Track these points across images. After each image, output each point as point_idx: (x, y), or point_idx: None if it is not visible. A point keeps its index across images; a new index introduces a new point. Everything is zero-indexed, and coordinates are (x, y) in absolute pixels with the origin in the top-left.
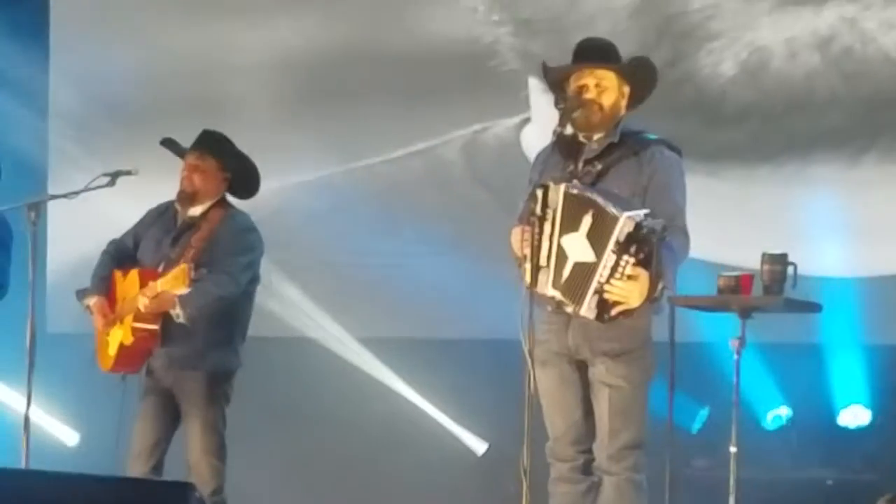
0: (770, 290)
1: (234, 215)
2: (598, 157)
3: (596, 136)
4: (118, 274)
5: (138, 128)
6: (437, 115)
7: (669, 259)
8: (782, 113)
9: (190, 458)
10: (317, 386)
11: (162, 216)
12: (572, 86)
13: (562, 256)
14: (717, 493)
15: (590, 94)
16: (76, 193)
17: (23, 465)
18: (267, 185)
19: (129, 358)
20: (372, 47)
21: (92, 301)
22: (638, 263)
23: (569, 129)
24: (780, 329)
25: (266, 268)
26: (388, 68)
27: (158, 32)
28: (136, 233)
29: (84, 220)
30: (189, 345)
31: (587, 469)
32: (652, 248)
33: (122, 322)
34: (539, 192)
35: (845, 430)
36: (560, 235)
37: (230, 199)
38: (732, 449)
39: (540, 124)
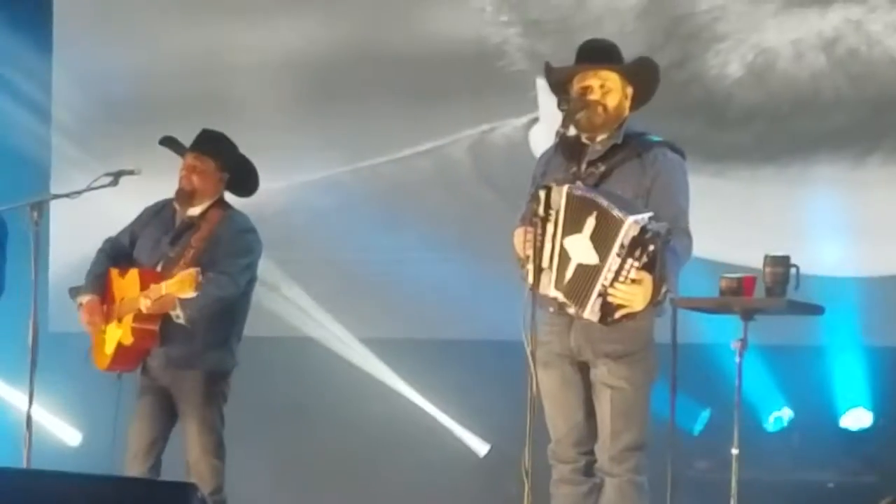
0: (772, 292)
1: (233, 216)
2: (602, 158)
3: (599, 138)
4: (115, 272)
5: (141, 127)
6: (445, 114)
7: (673, 262)
8: (788, 114)
9: (189, 457)
10: (318, 386)
11: (159, 214)
12: (576, 87)
13: (564, 258)
14: (719, 495)
15: (593, 96)
16: (79, 193)
17: (25, 465)
18: (273, 185)
19: (126, 357)
20: (380, 47)
21: (85, 300)
22: (642, 267)
23: (572, 131)
24: (783, 331)
25: (269, 267)
26: (397, 68)
27: (162, 32)
28: (133, 231)
29: (86, 220)
30: (187, 345)
31: (589, 471)
32: (656, 252)
33: (120, 321)
34: (542, 194)
35: (847, 432)
36: (563, 237)
37: (229, 198)
38: (734, 451)
39: (548, 124)
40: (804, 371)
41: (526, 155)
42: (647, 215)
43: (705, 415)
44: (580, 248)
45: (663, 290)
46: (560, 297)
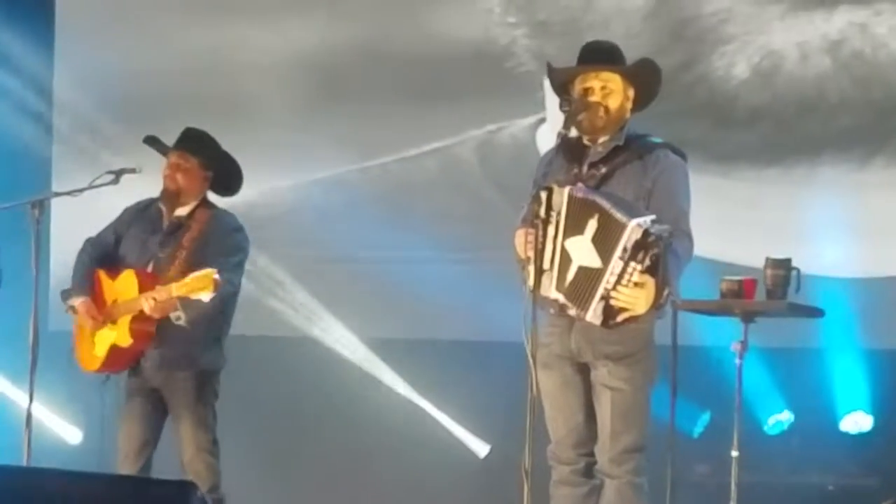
0: (773, 294)
1: (221, 215)
2: (603, 160)
3: (601, 140)
4: (103, 274)
5: (143, 126)
6: (452, 114)
7: (675, 265)
8: (793, 115)
9: (184, 457)
10: (319, 386)
11: (143, 214)
12: (577, 88)
13: (566, 259)
14: (719, 498)
15: (595, 97)
16: (80, 191)
17: (25, 463)
18: (281, 183)
19: (119, 359)
20: (388, 48)
21: (78, 302)
22: (645, 270)
23: (573, 132)
24: (783, 333)
25: (272, 266)
26: (405, 68)
27: (165, 31)
28: (117, 230)
29: (88, 218)
30: (181, 346)
31: (588, 472)
32: (659, 256)
33: (114, 322)
34: (543, 195)
35: (847, 435)
36: (564, 238)
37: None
38: (734, 453)
39: (554, 125)
40: (804, 374)
41: (532, 155)
42: (649, 218)
43: (705, 417)
44: (582, 251)
45: (665, 293)
46: (561, 298)
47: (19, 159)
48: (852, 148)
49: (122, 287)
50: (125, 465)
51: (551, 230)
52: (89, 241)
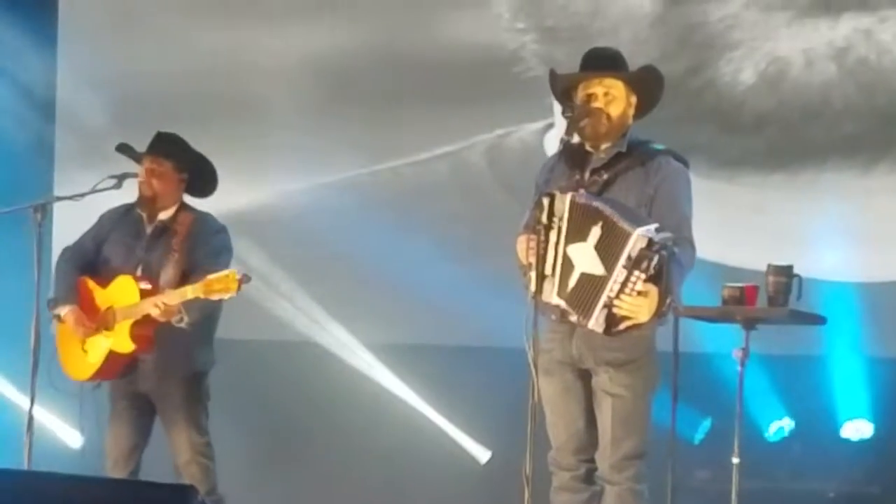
0: (775, 301)
1: (204, 217)
2: (605, 166)
3: (603, 146)
4: (90, 281)
5: (148, 129)
6: (462, 119)
7: (678, 274)
8: (799, 121)
9: (179, 460)
10: (320, 390)
11: (123, 220)
12: (580, 94)
13: (567, 266)
14: None
15: (598, 104)
16: (82, 195)
17: (26, 467)
18: (293, 186)
19: (115, 365)
20: (399, 52)
21: (66, 311)
22: (648, 279)
23: (576, 138)
24: (784, 340)
25: (278, 269)
26: (415, 73)
27: (172, 33)
28: (97, 237)
29: (90, 222)
30: (177, 348)
31: (589, 478)
32: (662, 265)
33: (109, 329)
34: (545, 201)
35: (848, 442)
36: (566, 245)
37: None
38: (735, 460)
39: (562, 130)
40: (805, 381)
41: (541, 159)
42: (653, 226)
43: (706, 424)
44: (584, 257)
45: (668, 301)
46: (562, 304)
47: (22, 162)
48: (857, 154)
49: (118, 293)
50: (115, 471)
51: (553, 236)
52: (68, 249)
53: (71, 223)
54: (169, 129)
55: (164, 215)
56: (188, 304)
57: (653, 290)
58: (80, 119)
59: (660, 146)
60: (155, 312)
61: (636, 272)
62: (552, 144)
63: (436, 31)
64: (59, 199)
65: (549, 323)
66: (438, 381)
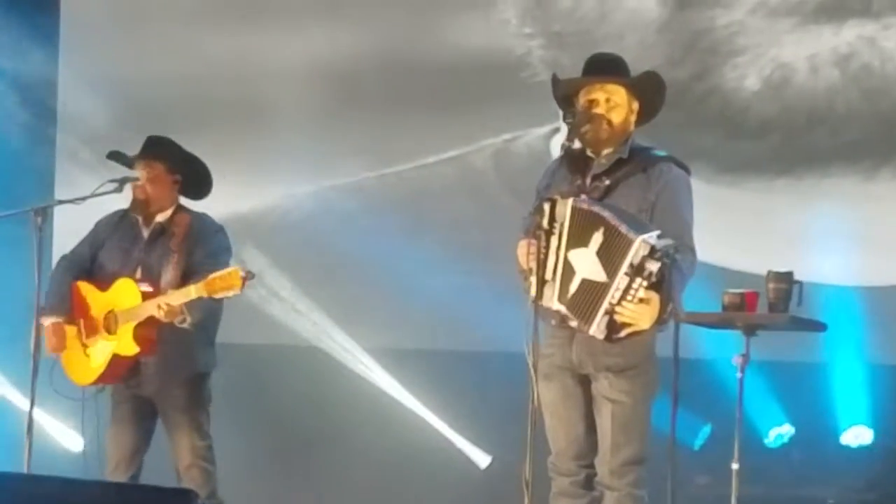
0: (775, 307)
1: (201, 218)
2: (607, 172)
3: (605, 152)
4: (87, 287)
5: (148, 133)
6: (469, 123)
7: (679, 281)
8: (803, 127)
9: (180, 464)
10: (320, 395)
11: (119, 225)
12: (582, 100)
13: (568, 271)
14: None
15: (599, 109)
16: (83, 199)
17: (25, 470)
18: (300, 189)
19: (120, 368)
20: (407, 57)
21: (48, 321)
22: (650, 286)
23: (577, 144)
24: (785, 347)
25: (280, 273)
26: (423, 78)
27: (175, 36)
28: (93, 244)
29: (90, 226)
30: (180, 349)
31: (589, 484)
32: (664, 272)
33: (111, 332)
34: (546, 206)
35: (847, 449)
36: (567, 250)
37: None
38: (734, 466)
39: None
40: (805, 387)
41: (547, 164)
42: (655, 233)
43: (706, 430)
44: (586, 263)
45: (669, 308)
46: (563, 310)
47: (22, 166)
48: (860, 159)
49: (119, 296)
50: (116, 474)
51: (554, 241)
52: (64, 258)
53: (72, 227)
54: (174, 133)
55: (161, 217)
56: (191, 304)
57: (654, 297)
58: (81, 122)
59: (661, 152)
60: (158, 314)
61: (638, 279)
62: (558, 149)
63: (443, 35)
64: (60, 202)
65: (549, 328)
66: (439, 386)
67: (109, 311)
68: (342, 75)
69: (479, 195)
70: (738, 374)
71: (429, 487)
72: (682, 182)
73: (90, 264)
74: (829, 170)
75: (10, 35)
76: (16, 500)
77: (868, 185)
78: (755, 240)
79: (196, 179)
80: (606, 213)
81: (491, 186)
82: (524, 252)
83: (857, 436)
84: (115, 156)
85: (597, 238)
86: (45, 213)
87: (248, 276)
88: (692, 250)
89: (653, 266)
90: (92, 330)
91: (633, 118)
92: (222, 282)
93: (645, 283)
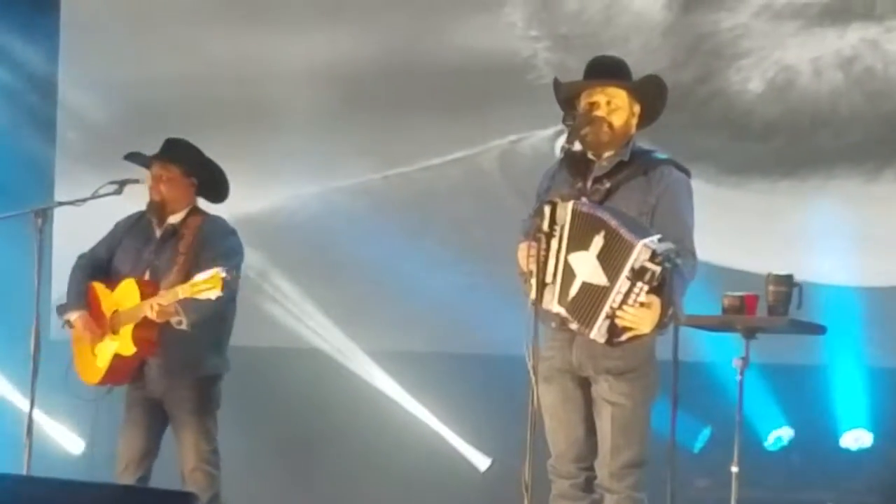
0: (775, 310)
1: (213, 220)
2: (607, 175)
3: (606, 155)
4: (99, 287)
5: (149, 134)
6: (475, 125)
7: (680, 285)
8: (806, 129)
9: (185, 467)
10: (320, 397)
11: (135, 227)
12: (583, 103)
13: (569, 274)
14: None
15: (600, 112)
16: (83, 200)
17: (25, 472)
18: (307, 190)
19: (123, 369)
20: (413, 60)
21: (74, 316)
22: (651, 290)
23: (577, 146)
24: (784, 350)
25: (283, 275)
26: (429, 80)
27: (177, 37)
28: (110, 244)
29: (90, 228)
30: (184, 351)
31: (588, 486)
32: (665, 276)
33: (115, 333)
34: (547, 209)
35: (847, 452)
36: (567, 253)
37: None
38: (734, 469)
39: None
40: (805, 390)
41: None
42: (656, 237)
43: (706, 432)
44: (586, 267)
45: (669, 312)
46: (563, 312)
47: (22, 167)
48: (863, 161)
49: (123, 296)
50: (125, 475)
51: (554, 244)
52: (83, 257)
53: (71, 228)
54: (178, 132)
55: (173, 219)
56: (186, 306)
57: (655, 301)
58: (82, 124)
59: (662, 155)
60: (151, 314)
61: (639, 283)
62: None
63: (449, 37)
64: (61, 204)
65: (548, 331)
66: (439, 389)
67: (114, 312)
68: (348, 77)
69: (485, 196)
70: (738, 377)
71: (428, 489)
72: (683, 185)
73: (107, 264)
74: (833, 171)
75: (10, 35)
76: (15, 502)
77: (871, 187)
78: (759, 240)
79: (213, 183)
80: (607, 217)
81: (497, 188)
82: (524, 254)
83: (857, 439)
84: (133, 156)
85: (597, 241)
86: (45, 215)
87: (230, 275)
88: (693, 254)
89: (654, 270)
90: (101, 330)
91: (634, 121)
92: (204, 284)
93: (646, 288)
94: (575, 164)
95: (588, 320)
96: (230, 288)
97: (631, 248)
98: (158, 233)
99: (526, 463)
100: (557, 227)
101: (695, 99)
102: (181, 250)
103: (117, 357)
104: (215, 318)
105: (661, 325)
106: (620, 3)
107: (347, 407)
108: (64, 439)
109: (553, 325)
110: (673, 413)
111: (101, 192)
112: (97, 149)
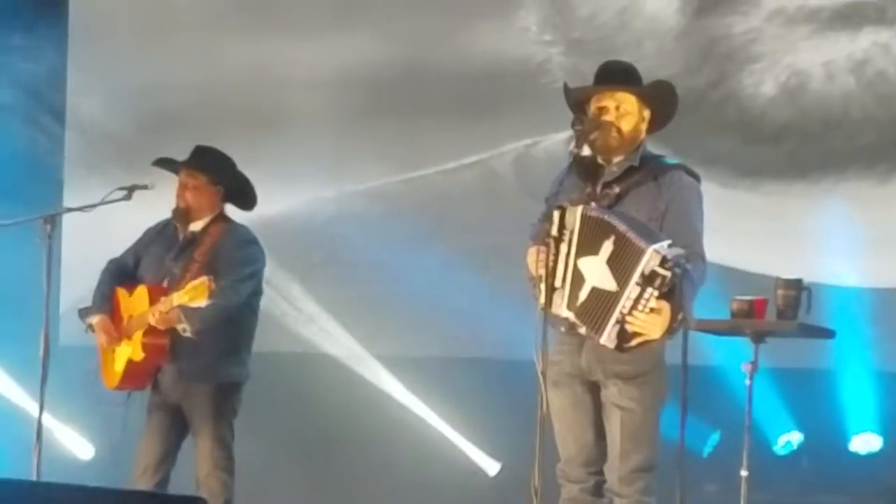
0: (784, 314)
1: (234, 228)
2: (617, 180)
3: (615, 159)
4: (122, 292)
5: (155, 141)
6: (490, 129)
7: (690, 290)
8: (819, 132)
9: (199, 472)
10: (329, 402)
11: (161, 233)
12: (592, 107)
13: (578, 279)
14: None
15: (609, 117)
16: (92, 207)
17: (34, 477)
18: (324, 193)
19: (137, 374)
20: (428, 64)
21: (95, 320)
22: (661, 296)
23: (586, 151)
24: (794, 354)
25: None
26: (444, 84)
27: (186, 44)
28: (136, 251)
29: (99, 234)
30: (197, 358)
31: (598, 491)
32: (675, 282)
33: (130, 338)
34: (556, 214)
35: (856, 456)
36: (577, 258)
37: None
38: (743, 473)
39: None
40: (814, 394)
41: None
42: (666, 243)
43: (715, 437)
44: (596, 272)
45: (679, 318)
46: (572, 317)
47: (31, 173)
48: (875, 163)
49: (136, 303)
50: (143, 480)
51: (564, 248)
52: (112, 262)
53: (80, 234)
54: (189, 138)
55: (195, 226)
56: (188, 314)
57: (665, 306)
58: (91, 130)
59: (672, 161)
60: (152, 321)
61: (649, 289)
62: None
63: (464, 42)
64: (69, 210)
65: (558, 335)
66: (448, 393)
67: (129, 317)
68: (364, 81)
69: (500, 200)
70: (747, 381)
71: (438, 494)
72: (693, 190)
73: (133, 270)
74: (845, 174)
75: (18, 39)
76: None
77: (883, 189)
78: (772, 243)
79: (240, 191)
80: (617, 222)
81: (511, 191)
82: (534, 259)
83: (867, 443)
84: (162, 162)
85: (607, 246)
86: (53, 221)
87: (212, 284)
88: (703, 259)
89: (664, 275)
90: (119, 335)
91: (643, 126)
92: (194, 291)
93: (656, 293)
94: (584, 169)
95: (598, 325)
96: (226, 296)
97: (641, 253)
98: (181, 240)
99: (535, 467)
100: (567, 232)
101: (708, 102)
102: (196, 258)
103: (130, 362)
104: (226, 326)
105: (670, 331)
106: (634, 7)
107: (357, 411)
108: (73, 444)
109: (562, 329)
110: (682, 417)
111: (110, 198)
112: (106, 155)
